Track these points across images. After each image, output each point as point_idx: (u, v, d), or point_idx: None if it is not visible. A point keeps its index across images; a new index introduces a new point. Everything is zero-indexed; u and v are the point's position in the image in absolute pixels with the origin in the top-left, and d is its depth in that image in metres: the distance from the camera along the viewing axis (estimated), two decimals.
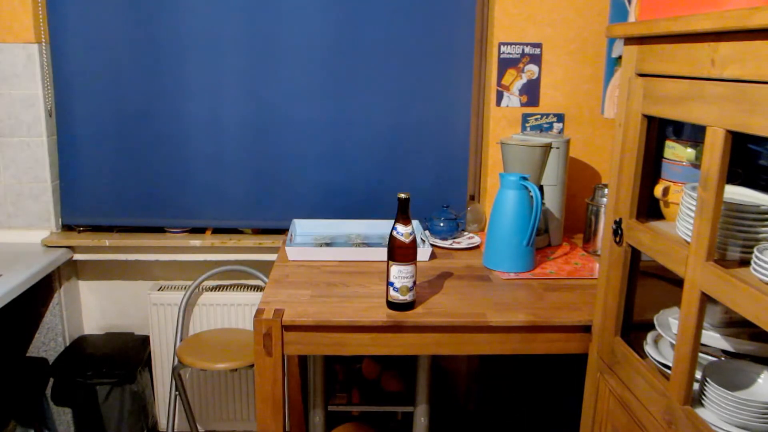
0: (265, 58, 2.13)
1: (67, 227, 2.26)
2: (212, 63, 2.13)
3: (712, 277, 0.98)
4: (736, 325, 1.18)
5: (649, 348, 1.26)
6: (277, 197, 2.24)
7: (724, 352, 1.18)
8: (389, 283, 1.49)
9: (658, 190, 1.29)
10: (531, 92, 2.15)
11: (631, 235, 1.25)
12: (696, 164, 1.23)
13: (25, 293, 1.90)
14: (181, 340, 2.22)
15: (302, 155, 2.20)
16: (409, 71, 2.15)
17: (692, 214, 1.05)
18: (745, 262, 1.02)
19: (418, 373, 1.91)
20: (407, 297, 1.49)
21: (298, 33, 2.11)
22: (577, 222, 2.16)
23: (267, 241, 2.22)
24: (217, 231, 2.30)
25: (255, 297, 2.27)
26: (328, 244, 1.99)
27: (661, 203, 1.29)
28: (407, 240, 1.45)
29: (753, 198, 1.13)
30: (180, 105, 2.16)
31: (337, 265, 1.84)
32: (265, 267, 2.28)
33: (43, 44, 2.10)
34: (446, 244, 2.02)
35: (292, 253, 1.87)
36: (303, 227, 2.12)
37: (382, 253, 1.86)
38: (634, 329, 1.34)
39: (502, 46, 2.12)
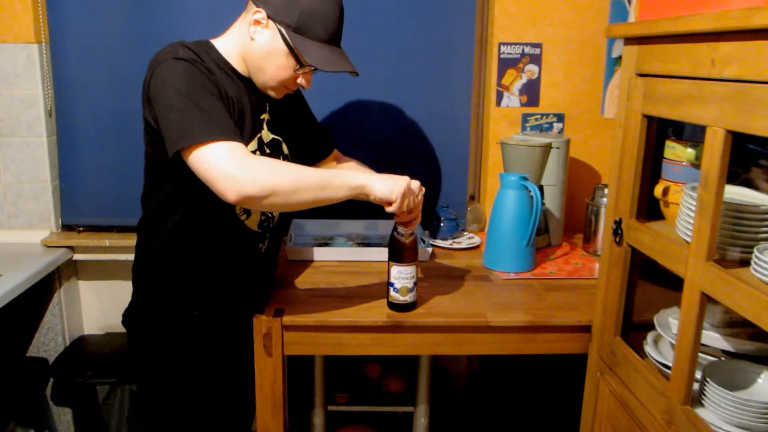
0: None
1: (67, 227, 2.26)
2: None
3: (712, 277, 0.98)
4: (736, 325, 1.18)
5: (649, 348, 1.26)
6: None
7: (724, 352, 1.18)
8: (389, 284, 1.49)
9: (658, 190, 1.29)
10: (531, 92, 2.15)
11: (631, 235, 1.25)
12: (696, 164, 1.23)
13: (25, 293, 1.90)
14: None
15: None
16: (408, 71, 2.14)
17: (692, 214, 1.05)
18: (745, 262, 1.02)
19: (418, 373, 1.91)
20: (407, 298, 1.48)
21: None
22: (577, 222, 2.16)
23: None
24: None
25: None
26: (327, 244, 1.99)
27: (661, 203, 1.29)
28: (407, 240, 1.45)
29: (753, 198, 1.13)
30: None
31: (336, 265, 1.84)
32: None
33: (43, 44, 2.10)
34: (446, 244, 2.02)
35: (292, 253, 1.87)
36: (303, 227, 2.12)
37: (382, 253, 1.84)
38: (634, 329, 1.34)
39: (502, 46, 2.12)
